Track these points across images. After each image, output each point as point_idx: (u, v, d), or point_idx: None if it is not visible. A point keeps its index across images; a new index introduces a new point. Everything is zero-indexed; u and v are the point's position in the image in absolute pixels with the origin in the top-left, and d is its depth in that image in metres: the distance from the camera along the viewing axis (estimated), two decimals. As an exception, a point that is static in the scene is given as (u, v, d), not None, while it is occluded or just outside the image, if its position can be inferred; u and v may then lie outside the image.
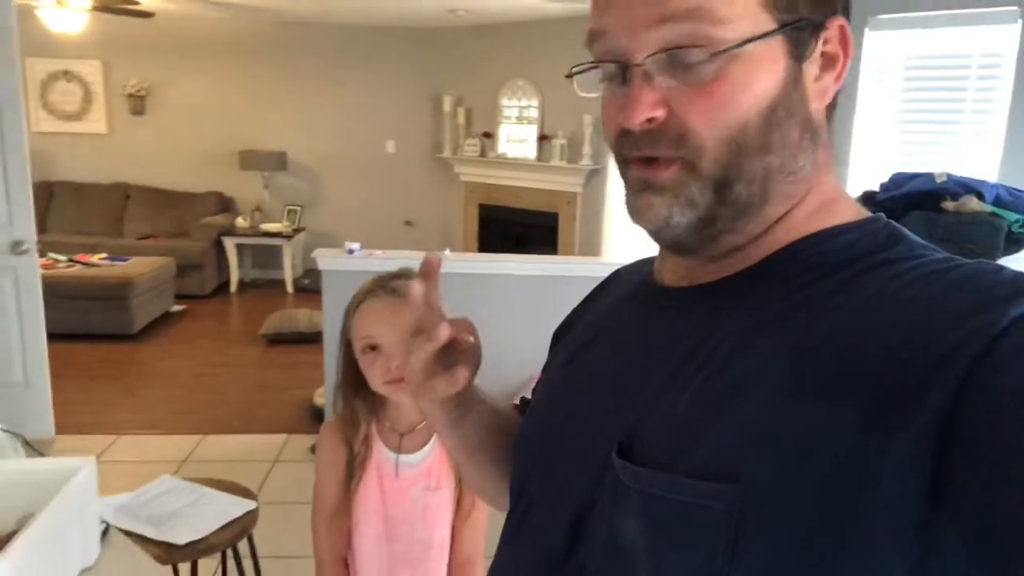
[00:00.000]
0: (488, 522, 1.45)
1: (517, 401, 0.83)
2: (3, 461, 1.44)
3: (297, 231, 6.87)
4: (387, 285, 1.35)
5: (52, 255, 5.52)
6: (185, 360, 4.99)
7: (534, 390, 0.74)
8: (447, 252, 3.86)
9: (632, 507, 0.52)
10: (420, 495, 1.40)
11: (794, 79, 0.54)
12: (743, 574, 0.47)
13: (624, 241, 5.30)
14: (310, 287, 6.35)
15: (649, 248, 0.65)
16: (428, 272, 0.67)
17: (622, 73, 0.54)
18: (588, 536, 0.57)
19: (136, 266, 5.54)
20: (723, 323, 0.54)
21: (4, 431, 1.48)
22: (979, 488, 0.40)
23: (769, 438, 0.47)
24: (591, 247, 5.87)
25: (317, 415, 3.91)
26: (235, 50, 6.86)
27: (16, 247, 3.44)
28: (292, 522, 2.65)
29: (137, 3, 5.15)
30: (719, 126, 0.52)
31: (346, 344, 1.39)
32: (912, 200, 2.28)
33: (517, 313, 3.51)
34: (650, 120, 0.53)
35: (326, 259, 3.52)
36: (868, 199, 2.40)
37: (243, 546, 2.07)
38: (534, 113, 6.20)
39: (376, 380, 1.34)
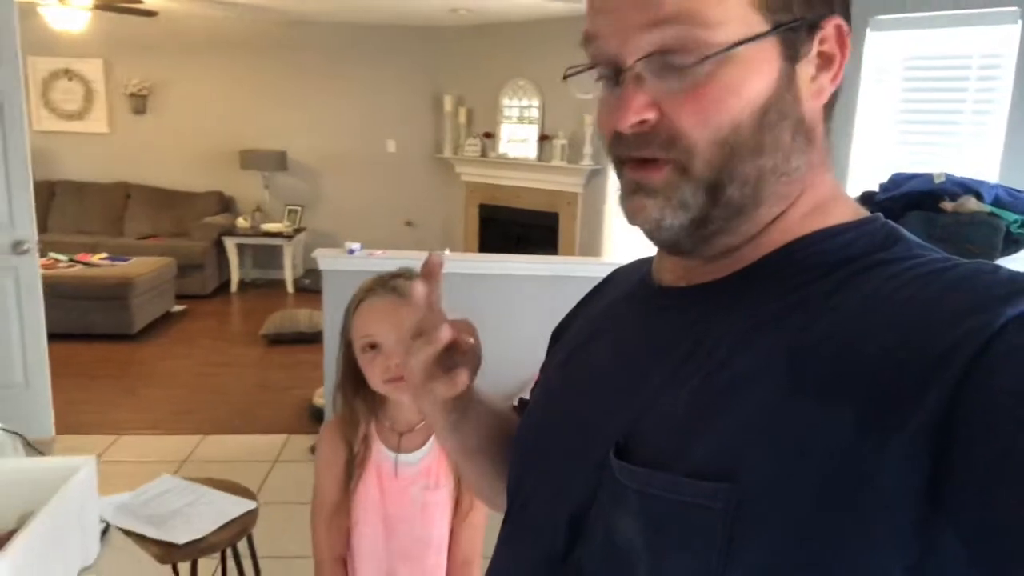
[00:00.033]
0: (487, 522, 1.45)
1: (516, 402, 0.83)
2: (3, 460, 1.44)
3: (298, 231, 6.87)
4: (387, 284, 1.35)
5: (53, 255, 5.52)
6: (185, 360, 4.99)
7: (532, 390, 0.74)
8: (447, 252, 3.86)
9: (630, 507, 0.52)
10: (419, 494, 1.40)
11: (787, 80, 0.53)
12: (741, 574, 0.47)
13: (624, 241, 5.30)
14: (310, 287, 6.35)
15: (648, 248, 0.65)
16: (430, 273, 0.67)
17: (615, 76, 0.55)
18: (586, 536, 0.57)
19: (137, 266, 5.54)
20: (721, 323, 0.54)
21: (4, 430, 1.49)
22: (977, 488, 0.40)
23: (767, 438, 0.47)
24: (591, 247, 5.88)
25: (317, 415, 3.91)
26: (236, 50, 6.86)
27: (17, 247, 3.44)
28: (292, 522, 2.66)
29: (139, 2, 5.16)
30: (710, 128, 0.52)
31: (346, 343, 1.39)
32: (911, 200, 2.28)
33: (517, 313, 3.52)
34: (642, 123, 0.54)
35: (326, 259, 3.53)
36: (867, 199, 2.40)
37: (243, 546, 2.08)
38: (535, 113, 6.20)
39: (376, 379, 1.34)
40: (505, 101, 6.37)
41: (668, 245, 0.59)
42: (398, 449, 1.40)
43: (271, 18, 6.68)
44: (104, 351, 5.03)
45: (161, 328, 5.59)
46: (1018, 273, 0.47)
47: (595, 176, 5.83)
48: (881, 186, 2.46)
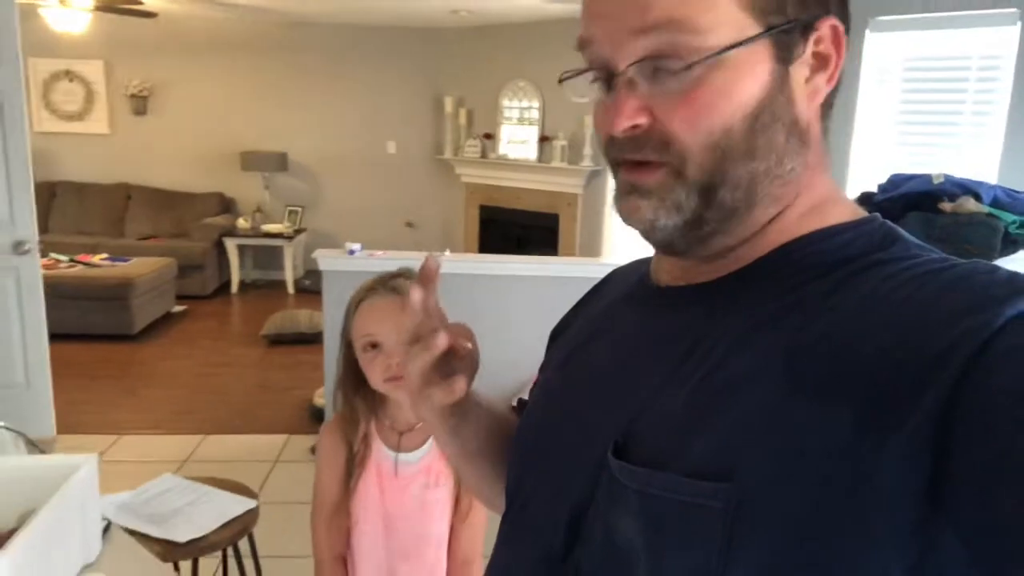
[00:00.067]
0: (487, 522, 1.45)
1: (515, 403, 0.83)
2: (4, 458, 1.45)
3: (298, 232, 6.88)
4: (388, 284, 1.35)
5: (54, 255, 5.52)
6: (186, 360, 4.99)
7: (532, 390, 0.74)
8: (447, 252, 3.86)
9: (629, 506, 0.52)
10: (419, 493, 1.41)
11: (780, 82, 0.53)
12: (740, 573, 0.47)
13: (624, 242, 5.30)
14: (311, 288, 6.35)
15: (647, 249, 0.65)
16: (426, 278, 0.66)
17: (609, 80, 0.55)
18: (585, 536, 0.57)
19: (137, 266, 5.54)
20: (719, 323, 0.54)
21: (6, 429, 1.49)
22: (976, 488, 0.40)
23: (765, 438, 0.47)
24: (592, 248, 5.88)
25: (317, 415, 3.91)
26: (237, 51, 6.87)
27: (18, 247, 3.45)
28: (293, 522, 2.66)
29: (140, 3, 5.16)
30: (702, 132, 0.52)
31: (347, 343, 1.40)
32: (910, 201, 2.28)
33: (517, 314, 3.52)
34: (635, 127, 0.54)
35: (327, 260, 3.53)
36: (866, 200, 2.40)
37: (244, 546, 2.08)
38: (535, 114, 6.21)
39: (376, 378, 1.34)
40: (505, 102, 6.38)
41: (663, 245, 0.59)
42: (398, 448, 1.41)
43: (271, 19, 6.69)
44: (105, 351, 5.03)
45: (162, 328, 5.59)
46: (1016, 273, 0.47)
47: (595, 177, 5.83)
48: (880, 187, 2.46)
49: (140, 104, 6.88)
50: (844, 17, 0.55)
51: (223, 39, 6.82)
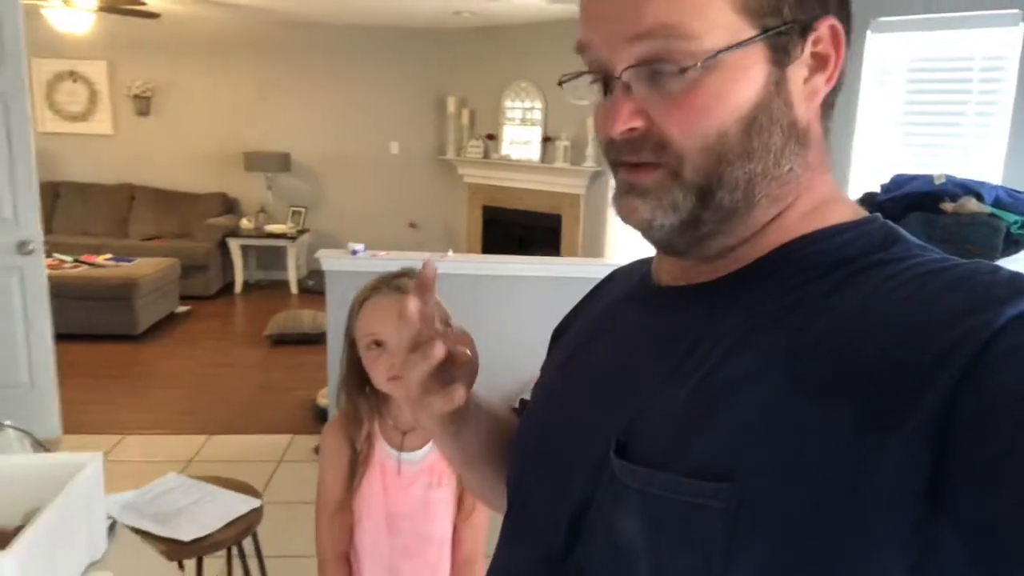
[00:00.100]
0: (489, 522, 1.46)
1: (517, 403, 0.83)
2: (10, 456, 1.45)
3: (301, 232, 6.89)
4: (392, 283, 1.36)
5: (57, 256, 5.54)
6: (189, 361, 5.00)
7: (533, 390, 0.75)
8: (450, 253, 3.86)
9: (631, 506, 0.53)
10: (422, 492, 1.41)
11: (776, 84, 0.53)
12: (741, 573, 0.47)
13: (626, 243, 5.30)
14: (314, 288, 6.36)
15: (649, 249, 0.65)
16: (423, 286, 0.66)
17: (606, 83, 0.55)
18: (586, 535, 0.57)
19: (141, 267, 5.56)
20: (719, 323, 0.55)
21: (12, 428, 1.50)
22: (976, 489, 0.40)
23: (765, 437, 0.47)
24: (594, 249, 5.88)
25: (321, 416, 3.92)
26: (240, 51, 6.88)
27: (23, 247, 3.46)
28: (297, 522, 2.67)
29: (143, 4, 5.18)
30: (697, 135, 0.53)
31: (350, 343, 1.40)
32: (911, 201, 2.28)
33: (520, 314, 3.52)
34: (631, 130, 0.54)
35: (330, 260, 3.54)
36: (868, 200, 2.40)
37: (249, 546, 2.09)
38: (537, 115, 6.21)
39: (380, 377, 1.35)
40: (508, 103, 6.38)
41: (661, 245, 0.59)
42: (401, 447, 1.41)
43: (274, 20, 6.70)
44: (108, 351, 5.04)
45: (165, 329, 5.60)
46: (1017, 273, 0.47)
47: (597, 178, 5.83)
48: (882, 187, 2.46)
49: (143, 104, 6.89)
50: (844, 17, 0.55)
51: (226, 40, 6.83)
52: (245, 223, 6.72)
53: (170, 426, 3.93)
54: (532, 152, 6.24)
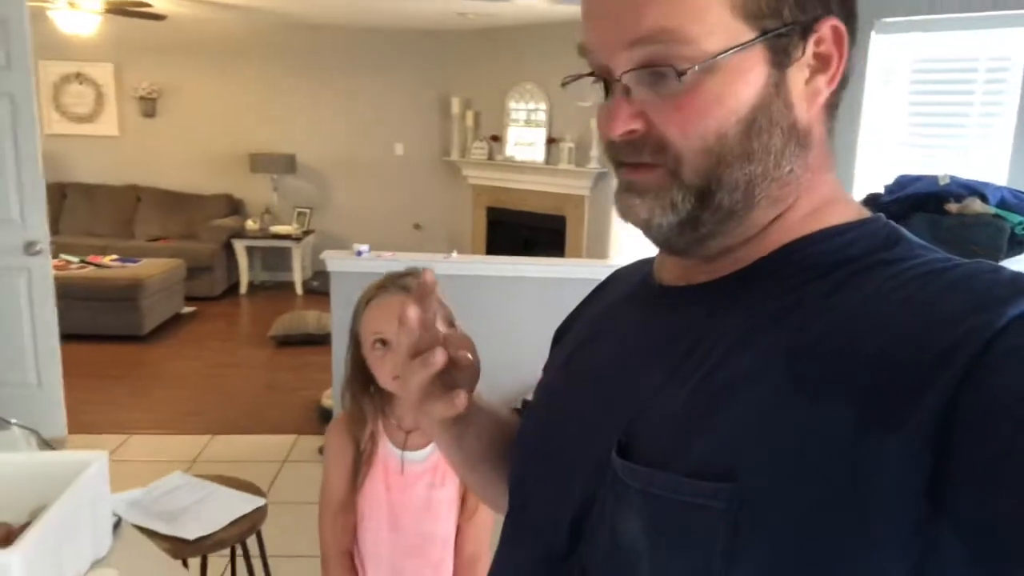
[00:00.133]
0: (493, 521, 1.46)
1: (519, 404, 0.83)
2: (16, 454, 1.46)
3: (306, 233, 6.90)
4: (398, 282, 1.36)
5: (64, 256, 5.56)
6: (195, 361, 5.02)
7: (535, 391, 0.75)
8: (454, 254, 3.87)
9: (632, 506, 0.53)
10: (425, 492, 1.41)
11: (776, 86, 0.53)
12: (742, 574, 0.47)
13: (631, 244, 5.30)
14: (319, 289, 6.37)
15: (653, 251, 0.65)
16: (423, 295, 0.66)
17: (608, 85, 0.56)
18: (588, 535, 0.57)
19: (147, 268, 5.58)
20: (719, 323, 0.55)
21: (19, 426, 1.51)
22: (977, 488, 0.40)
23: (766, 437, 0.47)
24: (598, 250, 5.87)
25: (325, 416, 3.92)
26: (245, 53, 6.90)
27: (30, 248, 3.47)
28: (301, 522, 2.67)
29: (149, 6, 5.20)
30: (695, 137, 0.53)
31: (355, 342, 1.41)
32: (916, 202, 2.27)
33: (524, 315, 3.53)
34: (631, 132, 0.55)
35: (335, 261, 3.54)
36: (872, 201, 2.40)
37: (253, 546, 2.09)
38: (542, 116, 6.21)
39: (385, 376, 1.35)
40: (512, 104, 6.38)
41: (661, 244, 0.59)
42: (404, 447, 1.42)
43: (279, 22, 6.71)
44: (114, 352, 5.06)
45: (171, 329, 5.62)
46: (1018, 273, 0.47)
47: (602, 179, 5.83)
48: (886, 188, 2.46)
49: (149, 106, 6.92)
50: (848, 17, 0.55)
51: (232, 41, 6.85)
52: (250, 224, 6.74)
53: (175, 426, 3.94)
54: (536, 153, 6.24)
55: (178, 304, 5.92)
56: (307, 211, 7.06)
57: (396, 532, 1.42)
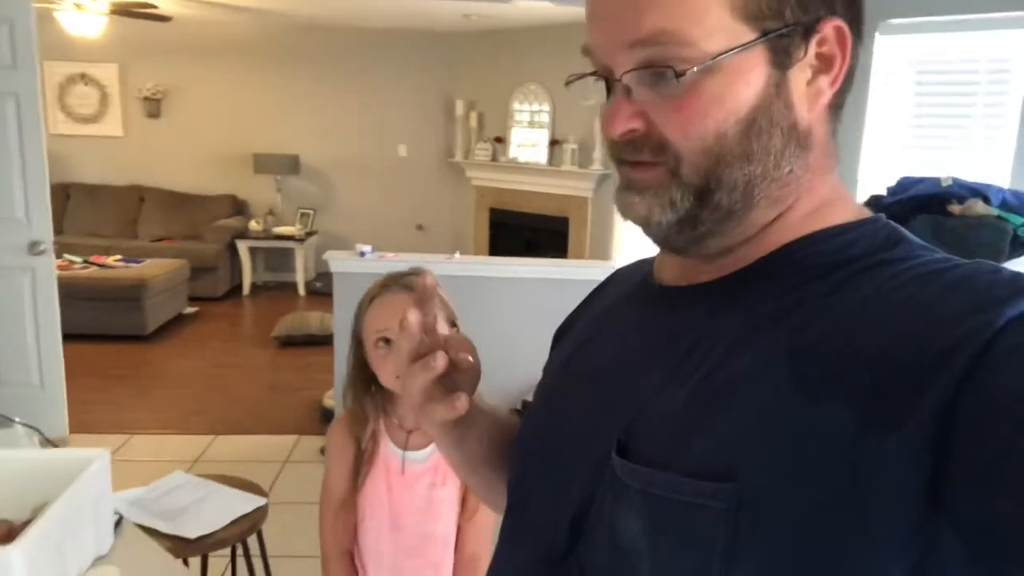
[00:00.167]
0: (493, 521, 1.46)
1: (520, 405, 0.83)
2: (18, 451, 1.47)
3: (309, 234, 6.91)
4: (401, 281, 1.36)
5: (68, 256, 5.58)
6: (197, 361, 5.03)
7: (535, 391, 0.75)
8: (456, 255, 3.88)
9: (632, 506, 0.53)
10: (425, 491, 1.41)
11: (777, 87, 0.53)
12: (742, 573, 0.48)
13: (634, 246, 5.30)
14: (322, 290, 6.38)
15: (655, 251, 0.65)
16: (423, 298, 0.66)
17: (608, 85, 0.56)
18: (587, 535, 0.57)
19: (150, 268, 5.59)
20: (719, 322, 0.55)
21: (22, 424, 1.51)
22: (977, 488, 0.40)
23: (766, 437, 0.47)
24: (601, 252, 5.87)
25: (327, 417, 3.93)
26: (250, 54, 6.91)
27: (34, 247, 3.48)
28: (302, 522, 2.67)
29: (154, 7, 5.21)
30: (695, 137, 0.53)
31: (357, 341, 1.41)
32: (918, 203, 2.28)
33: (527, 316, 3.52)
34: (631, 131, 0.55)
35: (338, 262, 3.55)
36: (874, 203, 2.40)
37: (254, 546, 2.10)
38: (545, 118, 6.21)
39: (387, 375, 1.35)
40: (516, 106, 6.39)
41: (660, 242, 0.60)
42: (406, 446, 1.42)
43: (283, 23, 6.73)
44: (117, 352, 5.07)
45: (174, 329, 5.63)
46: (1018, 274, 0.47)
47: (605, 181, 5.83)
48: (889, 190, 2.46)
49: (154, 107, 6.94)
50: (853, 17, 0.55)
51: (236, 43, 6.87)
52: (254, 225, 6.75)
53: (177, 426, 3.94)
54: (540, 155, 6.25)
55: (181, 304, 5.93)
56: (310, 212, 7.07)
57: (397, 532, 1.42)
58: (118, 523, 1.41)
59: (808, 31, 0.53)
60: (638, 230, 0.59)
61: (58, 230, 5.90)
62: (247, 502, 1.99)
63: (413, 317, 0.64)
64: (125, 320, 5.26)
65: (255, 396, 4.42)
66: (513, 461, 0.71)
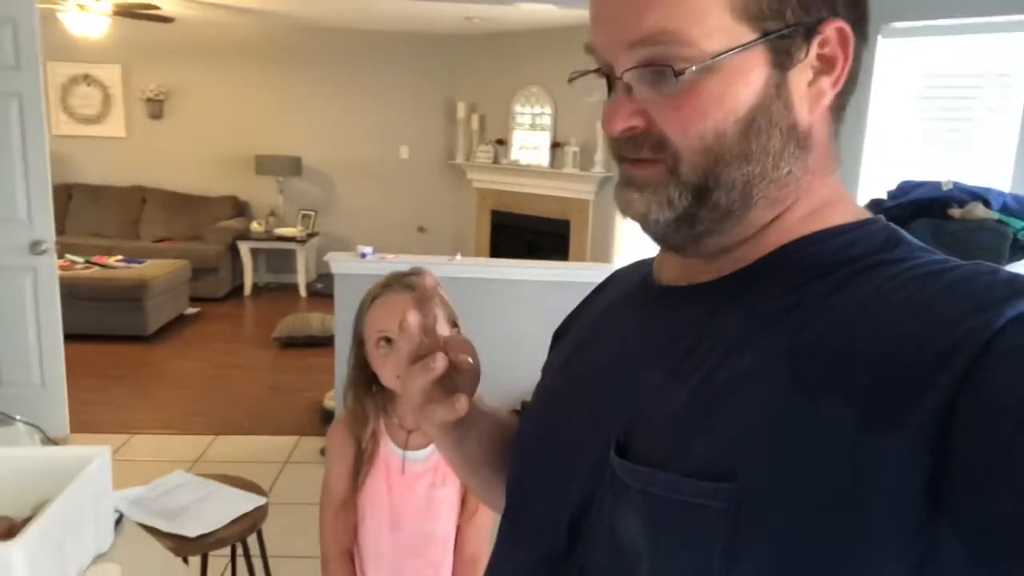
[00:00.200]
0: (493, 521, 1.46)
1: (519, 406, 0.83)
2: (19, 448, 1.47)
3: (311, 235, 6.91)
4: (402, 281, 1.37)
5: (70, 256, 5.58)
6: (198, 362, 5.03)
7: (534, 391, 0.75)
8: (457, 256, 3.88)
9: (632, 506, 0.53)
10: (426, 491, 1.41)
11: (777, 87, 0.53)
12: (742, 573, 0.48)
13: (635, 248, 5.30)
14: (323, 291, 6.38)
15: (654, 251, 0.65)
16: (423, 299, 0.66)
17: (610, 83, 0.57)
18: (587, 535, 0.57)
19: (152, 268, 5.59)
20: (719, 322, 0.55)
21: (23, 423, 1.51)
22: (977, 488, 0.41)
23: (766, 437, 0.47)
24: (603, 254, 5.87)
25: (328, 418, 3.93)
26: (252, 56, 6.92)
27: (36, 247, 3.49)
28: (302, 522, 2.67)
29: (157, 8, 5.22)
30: (694, 136, 0.53)
31: (358, 341, 1.41)
32: (919, 207, 2.28)
33: (528, 318, 3.53)
34: (631, 128, 0.55)
35: (339, 263, 3.55)
36: (875, 207, 2.40)
37: (254, 546, 2.10)
38: (547, 120, 6.22)
39: (388, 375, 1.35)
40: (517, 108, 6.39)
41: (658, 239, 0.60)
42: (406, 446, 1.42)
43: (286, 25, 6.74)
44: (118, 352, 5.07)
45: (175, 330, 5.63)
46: (1017, 275, 0.47)
47: (606, 183, 5.83)
48: (889, 193, 2.46)
49: (156, 108, 6.95)
50: (856, 19, 0.55)
51: (239, 44, 6.88)
52: (255, 226, 6.76)
53: (178, 426, 3.95)
54: (541, 157, 6.25)
55: (182, 305, 5.93)
56: (312, 213, 7.08)
57: (397, 532, 1.42)
58: (118, 521, 1.41)
59: (809, 32, 0.53)
60: (639, 232, 0.59)
61: (60, 230, 5.88)
62: (247, 501, 1.99)
63: (413, 318, 0.64)
64: (126, 320, 5.26)
65: (256, 397, 4.42)
66: (512, 462, 0.71)
